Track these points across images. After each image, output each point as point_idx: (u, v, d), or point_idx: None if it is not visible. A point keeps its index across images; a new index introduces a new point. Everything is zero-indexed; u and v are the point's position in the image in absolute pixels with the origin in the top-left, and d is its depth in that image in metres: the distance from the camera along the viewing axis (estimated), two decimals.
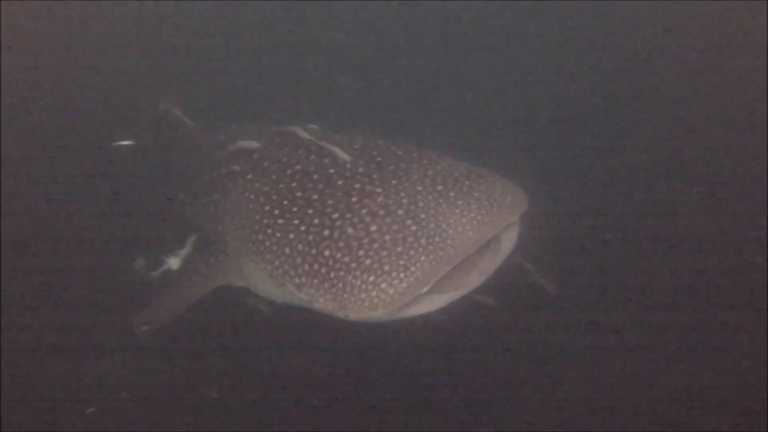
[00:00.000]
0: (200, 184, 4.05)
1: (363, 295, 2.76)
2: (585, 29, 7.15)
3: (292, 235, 3.06)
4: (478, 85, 6.40)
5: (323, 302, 2.91)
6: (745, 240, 4.27)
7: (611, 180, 5.01)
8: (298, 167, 3.38)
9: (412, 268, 2.75)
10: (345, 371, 3.94)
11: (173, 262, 3.90)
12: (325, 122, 4.10)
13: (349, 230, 2.91)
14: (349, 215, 2.95)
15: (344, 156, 3.31)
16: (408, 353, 3.93)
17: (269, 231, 3.17)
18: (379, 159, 3.27)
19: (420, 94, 6.42)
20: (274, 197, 3.28)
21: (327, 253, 2.89)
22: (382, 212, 2.93)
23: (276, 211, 3.20)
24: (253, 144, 3.81)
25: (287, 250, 3.05)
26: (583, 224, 4.56)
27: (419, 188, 3.04)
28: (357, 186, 3.09)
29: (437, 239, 2.81)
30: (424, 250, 2.79)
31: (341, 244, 2.88)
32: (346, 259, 2.84)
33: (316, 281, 2.90)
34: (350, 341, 3.86)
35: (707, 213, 4.61)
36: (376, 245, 2.82)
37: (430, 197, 2.99)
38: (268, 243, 3.15)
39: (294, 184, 3.27)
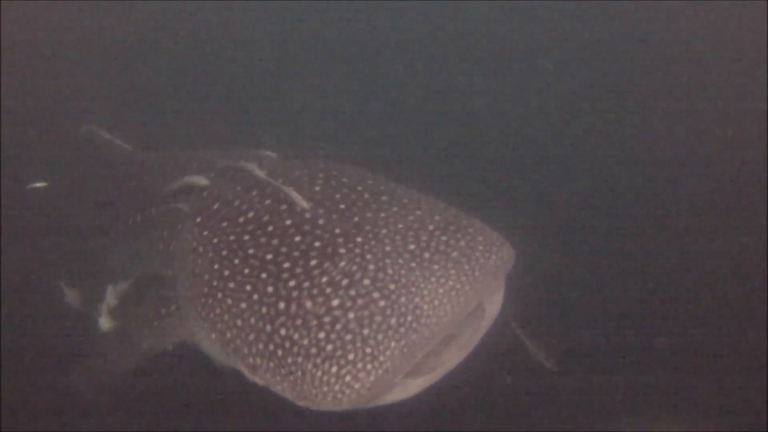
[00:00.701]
0: (143, 218, 3.57)
1: (325, 389, 2.34)
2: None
3: (243, 305, 2.60)
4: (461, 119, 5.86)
5: (280, 389, 2.48)
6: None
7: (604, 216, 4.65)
8: (251, 215, 2.93)
9: (381, 358, 2.33)
10: None
11: (103, 323, 3.38)
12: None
13: (308, 304, 2.46)
14: (307, 284, 2.51)
15: (303, 203, 2.85)
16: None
17: (219, 295, 2.71)
18: (342, 206, 2.82)
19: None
20: (224, 253, 2.82)
21: (283, 332, 2.45)
22: (345, 282, 2.49)
23: (226, 272, 2.74)
24: (202, 180, 3.33)
25: (239, 322, 2.59)
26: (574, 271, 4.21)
27: (388, 248, 2.60)
28: (317, 245, 2.63)
29: (409, 318, 2.38)
30: (394, 334, 2.35)
31: (298, 321, 2.44)
32: (305, 342, 2.40)
33: (272, 365, 2.46)
34: None
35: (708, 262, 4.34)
36: (338, 326, 2.38)
37: (400, 261, 2.54)
38: (218, 310, 2.69)
39: (246, 238, 2.81)
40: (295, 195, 2.89)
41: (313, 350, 2.36)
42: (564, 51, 6.41)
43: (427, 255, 2.57)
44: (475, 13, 7.08)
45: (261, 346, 2.49)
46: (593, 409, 3.55)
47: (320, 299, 2.45)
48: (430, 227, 2.71)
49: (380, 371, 2.31)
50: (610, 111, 5.75)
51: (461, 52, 6.62)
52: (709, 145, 5.20)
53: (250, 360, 2.52)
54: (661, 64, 6.25)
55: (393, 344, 2.33)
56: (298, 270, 2.57)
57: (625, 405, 3.57)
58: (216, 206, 3.15)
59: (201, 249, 2.96)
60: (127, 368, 3.20)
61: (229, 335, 2.61)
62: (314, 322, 2.40)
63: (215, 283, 2.75)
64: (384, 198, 2.89)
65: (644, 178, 5.00)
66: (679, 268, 4.25)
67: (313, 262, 2.57)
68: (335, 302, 2.43)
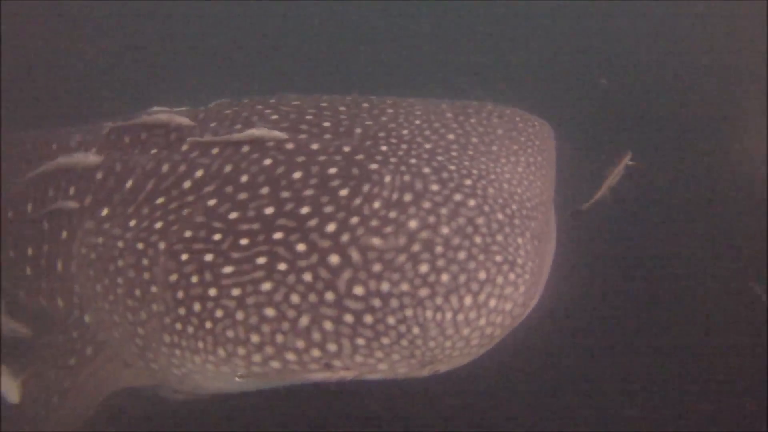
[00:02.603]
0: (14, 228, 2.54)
1: (465, 331, 1.71)
2: None
3: (267, 285, 1.78)
4: None
5: (385, 370, 1.77)
6: None
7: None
8: (200, 173, 2.06)
9: (519, 261, 1.77)
10: None
11: (11, 395, 2.26)
12: None
13: (376, 242, 1.75)
14: (355, 219, 1.80)
15: (275, 133, 2.05)
16: None
17: (212, 293, 1.84)
18: (327, 124, 2.13)
19: None
20: (188, 235, 1.93)
21: (359, 291, 1.72)
22: (408, 197, 1.84)
23: (208, 257, 1.87)
24: (88, 158, 2.25)
25: (270, 313, 1.76)
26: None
27: (428, 146, 2.01)
28: (332, 171, 1.92)
29: (514, 206, 1.86)
30: (512, 229, 1.81)
31: (377, 267, 1.73)
32: (405, 287, 1.70)
33: (360, 342, 1.72)
34: None
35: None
36: (439, 249, 1.74)
37: (453, 154, 1.99)
38: (219, 313, 1.83)
39: (212, 203, 1.96)
40: (254, 131, 2.01)
41: (424, 292, 1.68)
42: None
43: (475, 139, 2.06)
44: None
45: (329, 325, 1.72)
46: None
47: (389, 229, 1.76)
48: (449, 115, 2.18)
49: (526, 276, 1.77)
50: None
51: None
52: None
53: (316, 353, 1.74)
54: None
55: (519, 240, 1.81)
56: (328, 209, 1.82)
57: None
58: (131, 184, 2.14)
59: (141, 247, 2.00)
60: None
61: (258, 338, 1.78)
62: (402, 258, 1.72)
63: (195, 279, 1.86)
64: (366, 105, 2.25)
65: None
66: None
67: (343, 192, 1.85)
68: (413, 224, 1.77)
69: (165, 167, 2.11)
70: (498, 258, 1.73)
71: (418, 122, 2.10)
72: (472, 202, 1.81)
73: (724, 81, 5.06)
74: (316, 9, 6.38)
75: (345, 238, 1.76)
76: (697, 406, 3.08)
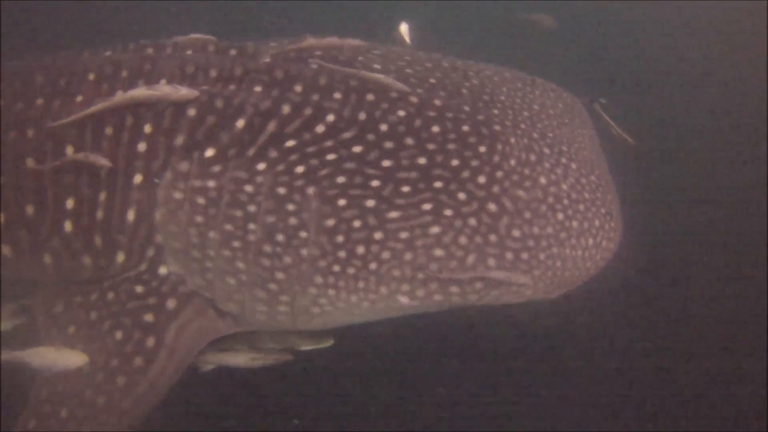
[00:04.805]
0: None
1: (588, 264, 2.17)
2: None
3: (436, 229, 1.97)
4: None
5: (529, 291, 2.11)
6: None
7: None
8: (331, 118, 2.07)
9: (614, 213, 2.27)
10: None
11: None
12: None
13: (521, 193, 2.07)
14: (500, 174, 2.08)
15: (399, 85, 2.15)
16: None
17: (377, 236, 1.96)
18: (448, 82, 2.30)
19: None
20: (341, 180, 1.99)
21: (516, 233, 2.02)
22: (533, 157, 2.17)
23: (368, 203, 1.97)
24: (179, 91, 2.01)
25: (444, 252, 1.98)
26: None
27: (526, 114, 2.35)
28: (465, 129, 2.13)
29: (597, 171, 2.34)
30: (605, 189, 2.30)
31: (527, 215, 2.06)
32: (549, 230, 2.07)
33: (520, 266, 2.05)
34: None
35: None
36: (565, 201, 2.14)
37: (545, 122, 2.37)
38: (386, 254, 1.96)
39: (359, 149, 2.02)
40: (380, 76, 2.13)
41: (563, 234, 2.09)
42: None
43: (551, 111, 2.46)
44: None
45: (492, 262, 2.00)
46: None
47: (528, 183, 2.11)
48: (519, 85, 2.52)
49: (620, 223, 2.29)
50: None
51: None
52: None
53: (479, 285, 2.02)
54: None
55: (609, 196, 2.29)
56: (474, 163, 2.07)
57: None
58: (242, 124, 2.03)
59: (282, 191, 1.97)
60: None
61: (424, 276, 1.97)
62: (543, 208, 2.09)
63: (358, 224, 1.94)
64: (446, 65, 2.46)
65: None
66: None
67: (482, 149, 2.10)
68: (543, 180, 2.14)
69: (286, 108, 2.03)
70: (603, 210, 2.22)
71: (505, 89, 2.39)
72: (574, 165, 2.24)
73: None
74: None
75: (496, 189, 2.03)
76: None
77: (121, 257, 2.09)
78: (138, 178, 2.03)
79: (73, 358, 2.01)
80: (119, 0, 4.62)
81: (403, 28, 3.45)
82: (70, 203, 2.07)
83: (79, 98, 2.11)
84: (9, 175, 2.11)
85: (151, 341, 2.00)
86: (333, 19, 5.17)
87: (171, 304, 2.04)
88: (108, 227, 2.06)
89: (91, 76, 2.15)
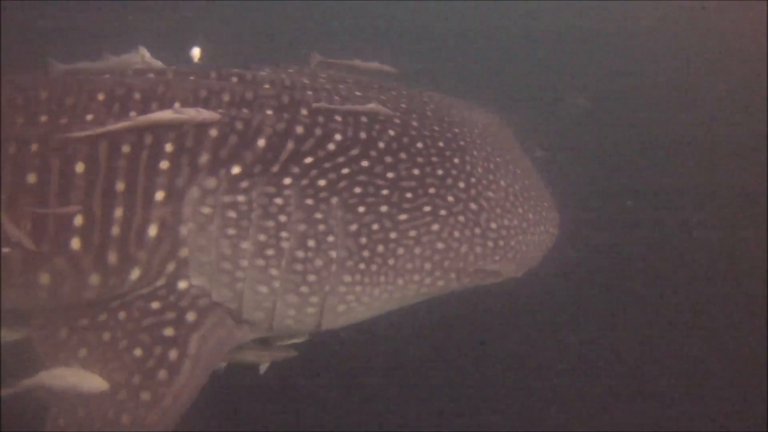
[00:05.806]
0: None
1: (543, 248, 2.71)
2: None
3: (436, 226, 2.38)
4: None
5: (505, 269, 2.58)
6: None
7: None
8: (337, 137, 2.37)
9: (554, 206, 2.83)
10: None
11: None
12: None
13: (491, 194, 2.55)
14: (473, 179, 2.55)
15: (385, 110, 2.52)
16: None
17: (392, 236, 2.31)
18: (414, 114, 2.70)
19: None
20: (358, 191, 2.32)
21: (494, 225, 2.51)
22: (491, 165, 2.67)
23: (383, 208, 2.32)
24: (201, 114, 2.15)
25: (442, 245, 2.39)
26: None
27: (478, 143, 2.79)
28: (440, 145, 2.56)
29: (527, 171, 2.89)
30: (544, 191, 2.87)
31: (498, 210, 2.54)
32: (515, 222, 2.58)
33: (498, 252, 2.53)
34: None
35: None
36: (522, 198, 2.67)
37: (488, 138, 2.86)
38: (401, 250, 2.33)
39: (366, 164, 2.36)
40: (373, 105, 2.50)
41: (524, 224, 2.61)
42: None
43: (490, 130, 2.94)
44: None
45: (479, 249, 2.44)
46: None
47: (494, 186, 2.59)
48: (455, 111, 2.92)
49: (558, 213, 2.84)
50: None
51: None
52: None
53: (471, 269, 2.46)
54: None
55: (547, 194, 2.86)
56: (454, 171, 2.52)
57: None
58: (263, 143, 2.24)
59: (311, 202, 2.24)
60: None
61: (431, 266, 2.37)
62: (507, 204, 2.58)
63: (376, 227, 2.29)
64: (405, 92, 2.85)
65: None
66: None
67: (456, 160, 2.55)
68: (503, 183, 2.63)
69: (299, 129, 2.27)
70: (546, 204, 2.79)
71: (454, 111, 2.85)
72: (518, 171, 2.79)
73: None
74: None
75: (473, 192, 2.49)
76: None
77: (136, 274, 2.12)
78: (160, 195, 2.11)
79: (93, 379, 1.99)
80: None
81: (195, 51, 3.98)
82: (78, 220, 2.06)
83: (90, 117, 2.11)
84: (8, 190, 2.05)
85: (173, 354, 2.07)
86: None
87: (191, 317, 2.13)
88: (125, 243, 2.09)
89: (101, 96, 2.17)
